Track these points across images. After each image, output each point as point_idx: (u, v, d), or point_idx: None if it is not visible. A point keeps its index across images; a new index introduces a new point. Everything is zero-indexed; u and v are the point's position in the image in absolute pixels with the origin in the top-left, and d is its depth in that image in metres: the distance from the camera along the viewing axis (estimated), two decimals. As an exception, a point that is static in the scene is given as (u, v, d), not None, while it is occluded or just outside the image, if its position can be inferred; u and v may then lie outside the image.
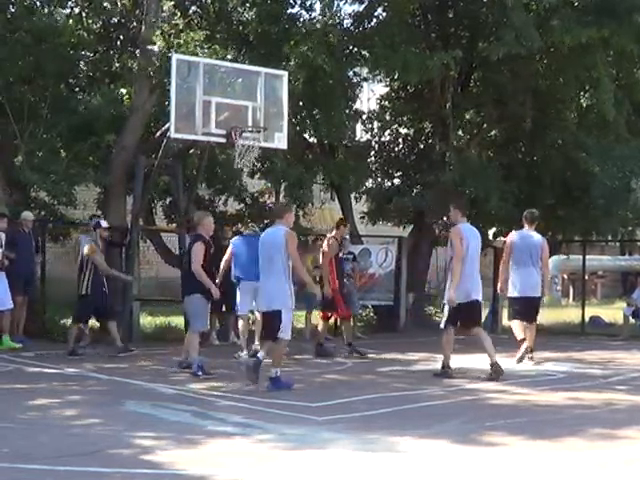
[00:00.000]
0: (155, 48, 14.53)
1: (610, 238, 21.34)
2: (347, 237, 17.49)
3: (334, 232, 13.70)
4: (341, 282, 13.57)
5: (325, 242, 13.65)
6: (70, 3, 16.76)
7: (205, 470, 5.89)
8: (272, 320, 9.66)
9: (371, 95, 22.72)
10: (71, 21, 16.29)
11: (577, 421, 7.92)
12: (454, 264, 10.59)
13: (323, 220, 23.84)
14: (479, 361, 11.23)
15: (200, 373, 10.42)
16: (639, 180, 18.09)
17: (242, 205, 18.11)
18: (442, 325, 10.91)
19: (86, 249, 12.94)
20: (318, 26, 16.75)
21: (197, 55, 14.05)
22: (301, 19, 17.38)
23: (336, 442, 6.77)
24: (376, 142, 20.22)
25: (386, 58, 16.05)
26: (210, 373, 10.52)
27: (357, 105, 19.79)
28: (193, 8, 17.37)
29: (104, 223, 13.77)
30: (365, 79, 18.76)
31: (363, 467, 6.06)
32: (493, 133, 20.41)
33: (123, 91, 15.63)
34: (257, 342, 12.35)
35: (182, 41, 14.39)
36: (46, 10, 15.81)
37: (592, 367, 12.24)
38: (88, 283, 12.80)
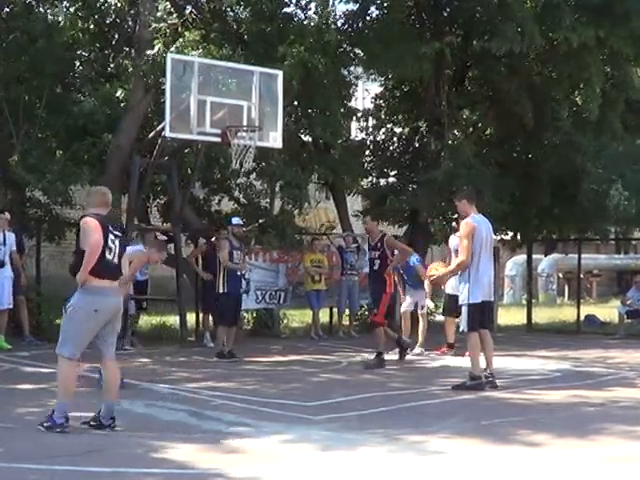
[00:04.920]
0: (151, 49, 14.52)
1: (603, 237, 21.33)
2: (349, 233, 17.94)
3: None
4: None
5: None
6: (65, 2, 16.74)
7: (202, 469, 5.90)
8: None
9: (366, 94, 22.71)
10: (66, 22, 16.25)
11: (574, 419, 7.94)
12: (458, 265, 9.76)
13: (318, 219, 23.84)
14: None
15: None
16: (620, 184, 17.54)
17: (236, 205, 18.06)
18: (464, 328, 9.80)
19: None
20: (312, 25, 16.73)
21: (192, 54, 14.05)
22: (296, 18, 17.37)
23: (332, 442, 6.77)
24: (371, 141, 20.23)
25: (380, 55, 16.04)
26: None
27: (352, 104, 19.75)
28: (188, 7, 17.34)
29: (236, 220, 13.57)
30: (358, 77, 18.72)
31: (361, 466, 6.06)
32: (488, 132, 20.41)
33: (119, 91, 15.60)
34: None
35: (178, 44, 14.37)
36: (42, 9, 15.78)
37: (588, 366, 12.25)
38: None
